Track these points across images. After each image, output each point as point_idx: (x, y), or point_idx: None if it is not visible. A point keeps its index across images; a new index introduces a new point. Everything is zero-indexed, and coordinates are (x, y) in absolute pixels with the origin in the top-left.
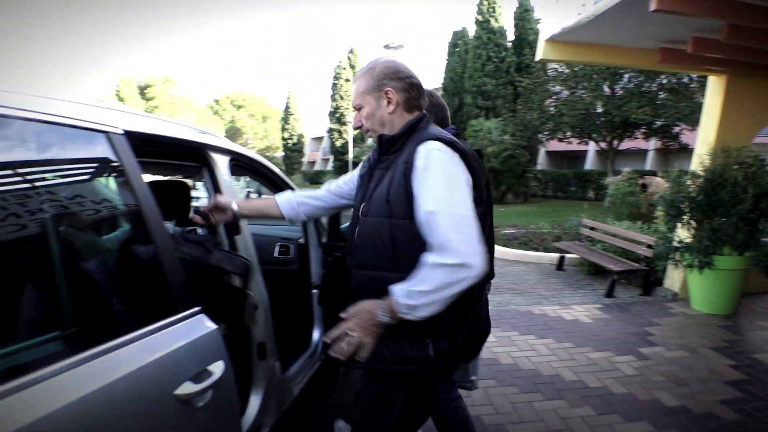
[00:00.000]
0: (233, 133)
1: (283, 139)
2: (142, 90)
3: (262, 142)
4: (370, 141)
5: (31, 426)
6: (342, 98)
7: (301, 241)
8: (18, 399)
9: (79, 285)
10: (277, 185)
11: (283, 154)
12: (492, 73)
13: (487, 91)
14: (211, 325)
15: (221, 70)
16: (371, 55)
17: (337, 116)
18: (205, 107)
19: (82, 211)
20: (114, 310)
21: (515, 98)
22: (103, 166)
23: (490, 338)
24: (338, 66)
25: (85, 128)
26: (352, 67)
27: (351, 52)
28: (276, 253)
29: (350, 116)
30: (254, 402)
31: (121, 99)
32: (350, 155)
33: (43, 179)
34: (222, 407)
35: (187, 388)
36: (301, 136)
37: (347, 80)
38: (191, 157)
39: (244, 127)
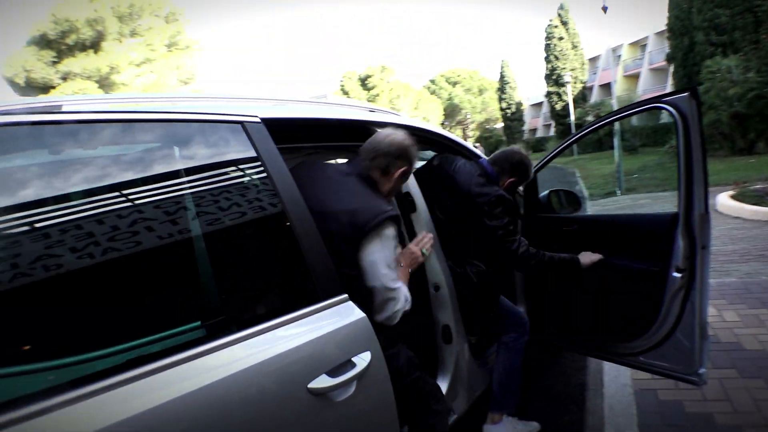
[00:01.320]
0: (452, 110)
1: (501, 109)
2: (363, 81)
3: (480, 115)
4: (592, 100)
5: (169, 404)
6: (557, 58)
7: None
8: (164, 377)
9: (222, 274)
10: (462, 154)
11: (502, 124)
12: (724, 2)
13: (721, 24)
14: (358, 314)
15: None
16: (582, 10)
17: (554, 78)
18: (422, 89)
19: (227, 204)
20: (248, 299)
21: (756, 27)
22: (242, 157)
23: (732, 317)
24: (549, 25)
25: (222, 121)
26: (564, 23)
27: (561, 8)
28: None
29: (568, 76)
30: (441, 386)
31: (345, 92)
32: (572, 117)
33: (190, 174)
34: (369, 401)
35: (322, 381)
36: (519, 104)
37: (560, 38)
38: (359, 137)
39: (462, 102)
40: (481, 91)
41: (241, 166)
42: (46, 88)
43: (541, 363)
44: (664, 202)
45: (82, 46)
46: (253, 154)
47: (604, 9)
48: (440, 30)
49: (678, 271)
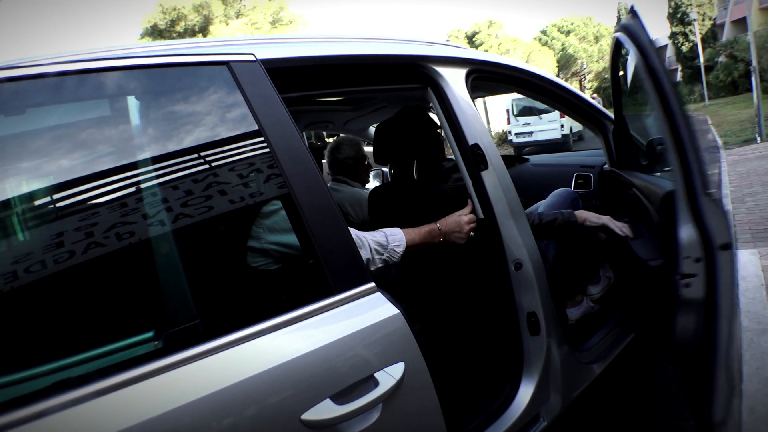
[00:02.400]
0: (566, 61)
1: None
2: (470, 38)
3: (597, 64)
4: (724, 38)
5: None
6: None
7: (606, 167)
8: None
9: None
10: (558, 98)
11: (621, 73)
12: None
13: None
14: (388, 310)
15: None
16: None
17: (678, 16)
18: (532, 41)
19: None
20: (222, 298)
21: None
22: (229, 107)
23: None
24: None
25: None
26: None
27: None
28: (573, 186)
29: (694, 12)
30: (525, 388)
31: None
32: (701, 59)
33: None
34: (405, 426)
35: (323, 410)
36: None
37: None
38: (409, 77)
39: (576, 52)
40: (597, 39)
41: (227, 115)
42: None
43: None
44: None
45: (192, 32)
46: (241, 101)
47: None
48: None
49: (682, 277)
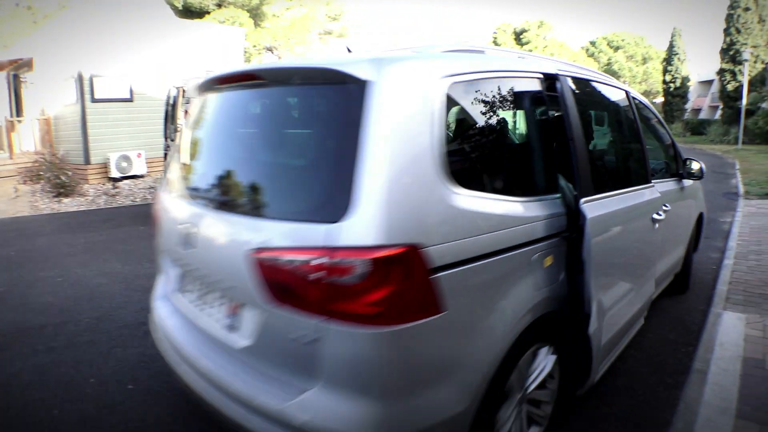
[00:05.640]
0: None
1: (664, 82)
2: (518, 35)
3: (640, 86)
4: None
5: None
6: (739, 31)
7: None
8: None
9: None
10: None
11: (662, 99)
12: None
13: None
14: None
15: (597, 10)
16: None
17: (730, 54)
18: (579, 50)
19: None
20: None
21: None
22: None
23: None
24: None
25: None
26: None
27: None
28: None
29: (747, 53)
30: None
31: (497, 45)
32: (743, 101)
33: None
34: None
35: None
36: (686, 79)
37: (747, 9)
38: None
39: (621, 69)
40: (645, 60)
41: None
42: (201, 13)
43: None
44: None
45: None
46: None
47: None
48: None
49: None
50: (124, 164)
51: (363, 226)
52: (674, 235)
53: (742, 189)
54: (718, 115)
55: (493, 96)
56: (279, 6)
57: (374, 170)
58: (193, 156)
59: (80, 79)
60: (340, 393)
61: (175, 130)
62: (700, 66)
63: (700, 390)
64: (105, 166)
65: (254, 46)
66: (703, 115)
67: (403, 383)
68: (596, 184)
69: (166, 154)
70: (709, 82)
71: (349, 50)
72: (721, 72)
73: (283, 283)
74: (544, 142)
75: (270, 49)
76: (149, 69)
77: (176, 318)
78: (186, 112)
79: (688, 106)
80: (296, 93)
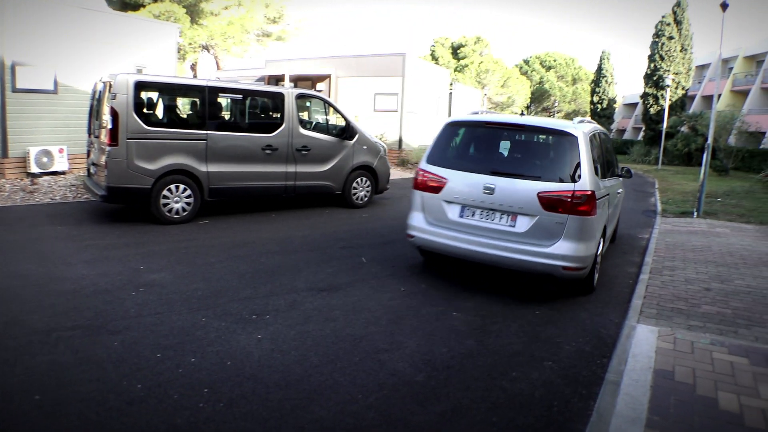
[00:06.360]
0: (540, 94)
1: (592, 102)
2: (455, 50)
3: (569, 105)
4: (691, 110)
5: None
6: (662, 59)
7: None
8: None
9: None
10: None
11: (590, 118)
12: None
13: None
14: None
15: (530, 30)
16: (701, 7)
17: (654, 79)
18: (513, 67)
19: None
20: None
21: None
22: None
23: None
24: (661, 21)
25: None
26: (678, 23)
27: (678, 5)
28: None
29: (669, 79)
30: None
31: (435, 58)
32: (664, 124)
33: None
34: None
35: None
36: (612, 100)
37: (670, 38)
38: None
39: (552, 88)
40: (575, 81)
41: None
42: (137, 5)
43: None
44: (744, 236)
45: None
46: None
47: (724, 6)
48: (542, 11)
49: None
50: (45, 159)
51: (582, 185)
52: None
53: (660, 207)
54: (641, 136)
55: None
56: (217, 4)
57: (585, 166)
58: (477, 154)
59: (1, 65)
60: (570, 241)
61: (100, 126)
62: (626, 89)
63: (612, 401)
64: (24, 161)
65: (189, 44)
66: (627, 136)
67: (592, 236)
68: None
69: (89, 151)
70: (634, 105)
71: (475, 113)
72: (644, 96)
73: (552, 203)
74: None
75: (206, 48)
76: (77, 60)
77: (461, 227)
78: (112, 108)
79: (614, 126)
80: (543, 132)
